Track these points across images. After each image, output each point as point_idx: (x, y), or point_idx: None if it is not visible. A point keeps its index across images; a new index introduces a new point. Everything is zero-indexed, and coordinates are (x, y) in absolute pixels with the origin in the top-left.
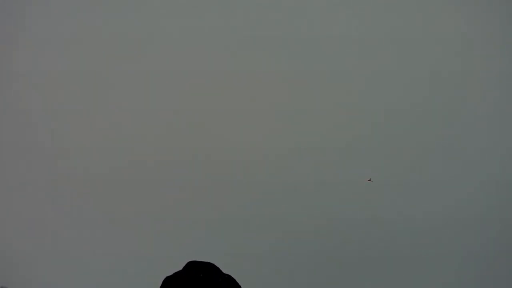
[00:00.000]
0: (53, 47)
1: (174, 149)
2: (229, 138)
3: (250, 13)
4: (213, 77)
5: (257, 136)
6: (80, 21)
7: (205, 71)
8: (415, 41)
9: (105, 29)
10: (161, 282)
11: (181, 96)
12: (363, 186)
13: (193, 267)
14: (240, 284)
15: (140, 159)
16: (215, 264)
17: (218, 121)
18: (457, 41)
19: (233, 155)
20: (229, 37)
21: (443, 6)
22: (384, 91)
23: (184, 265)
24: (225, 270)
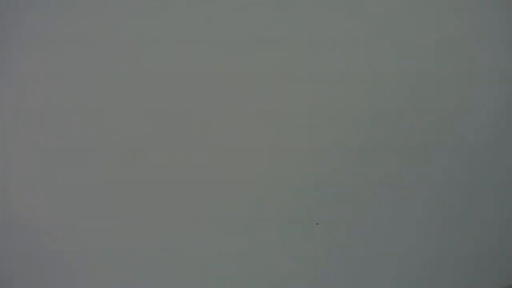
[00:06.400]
0: (54, 47)
1: (178, 150)
2: (231, 139)
3: (250, 14)
4: (215, 77)
5: (258, 137)
6: (82, 20)
7: (207, 72)
8: (414, 41)
9: (105, 29)
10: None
11: (185, 97)
12: (366, 186)
13: None
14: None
15: (150, 161)
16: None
17: (222, 121)
18: (457, 41)
19: (236, 156)
20: (230, 37)
21: (442, 6)
22: (385, 91)
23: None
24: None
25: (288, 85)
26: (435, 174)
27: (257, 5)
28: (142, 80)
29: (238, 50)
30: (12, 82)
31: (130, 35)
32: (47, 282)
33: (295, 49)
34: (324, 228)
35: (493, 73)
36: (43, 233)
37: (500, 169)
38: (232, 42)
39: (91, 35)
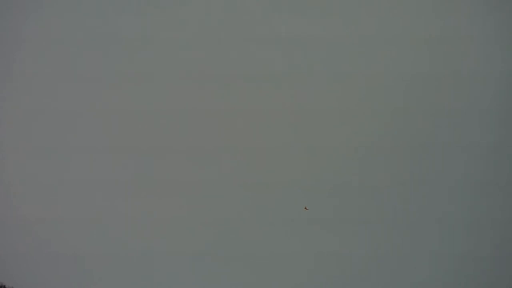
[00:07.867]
0: (52, 47)
1: (178, 149)
2: (231, 139)
3: (251, 14)
4: (215, 78)
5: (258, 137)
6: (82, 21)
7: (208, 72)
8: (414, 41)
9: (105, 29)
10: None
11: (184, 96)
12: (366, 185)
13: None
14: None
15: (151, 159)
16: None
17: (222, 121)
18: (457, 41)
19: (236, 154)
20: (229, 37)
21: (442, 6)
22: (385, 91)
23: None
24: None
25: (288, 85)
26: (436, 173)
27: (258, 5)
28: (142, 80)
29: (239, 51)
30: (13, 82)
31: (130, 36)
32: (47, 282)
33: (296, 51)
34: (337, 227)
35: (493, 73)
36: (43, 233)
37: (503, 169)
38: (232, 43)
39: (91, 35)
